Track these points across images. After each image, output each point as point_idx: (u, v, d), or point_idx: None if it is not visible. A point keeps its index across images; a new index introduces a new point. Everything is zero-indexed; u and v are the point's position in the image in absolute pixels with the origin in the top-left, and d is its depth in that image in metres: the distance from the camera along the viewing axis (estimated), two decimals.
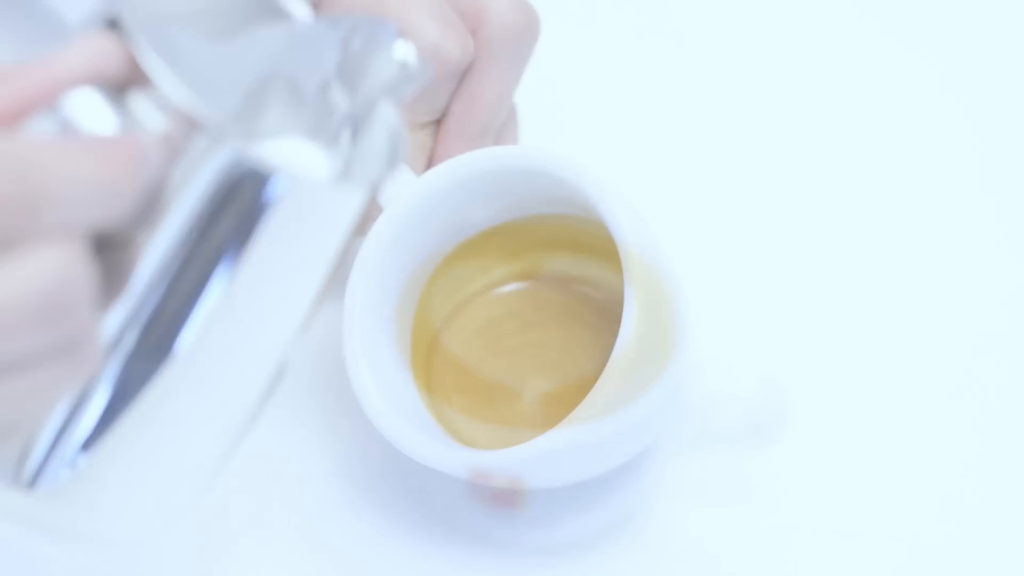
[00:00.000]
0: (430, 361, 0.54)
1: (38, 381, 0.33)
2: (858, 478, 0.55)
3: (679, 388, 0.51)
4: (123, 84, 0.34)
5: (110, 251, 0.34)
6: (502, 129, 0.55)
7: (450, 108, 0.52)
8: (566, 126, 0.64)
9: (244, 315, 0.37)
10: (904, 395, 0.58)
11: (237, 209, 0.35)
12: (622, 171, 0.62)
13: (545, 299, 0.55)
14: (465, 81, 0.52)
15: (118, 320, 0.35)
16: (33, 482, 0.36)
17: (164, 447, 0.38)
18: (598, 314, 0.54)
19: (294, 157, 0.35)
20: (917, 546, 0.54)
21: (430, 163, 0.54)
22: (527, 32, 0.52)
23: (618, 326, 0.48)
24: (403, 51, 0.38)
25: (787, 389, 0.56)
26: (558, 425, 0.47)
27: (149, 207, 0.34)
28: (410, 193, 0.51)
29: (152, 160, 0.33)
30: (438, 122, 0.53)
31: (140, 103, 0.34)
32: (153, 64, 0.33)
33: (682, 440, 0.56)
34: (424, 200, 0.51)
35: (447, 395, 0.53)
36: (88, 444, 0.36)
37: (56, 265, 0.32)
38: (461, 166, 0.50)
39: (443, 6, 0.51)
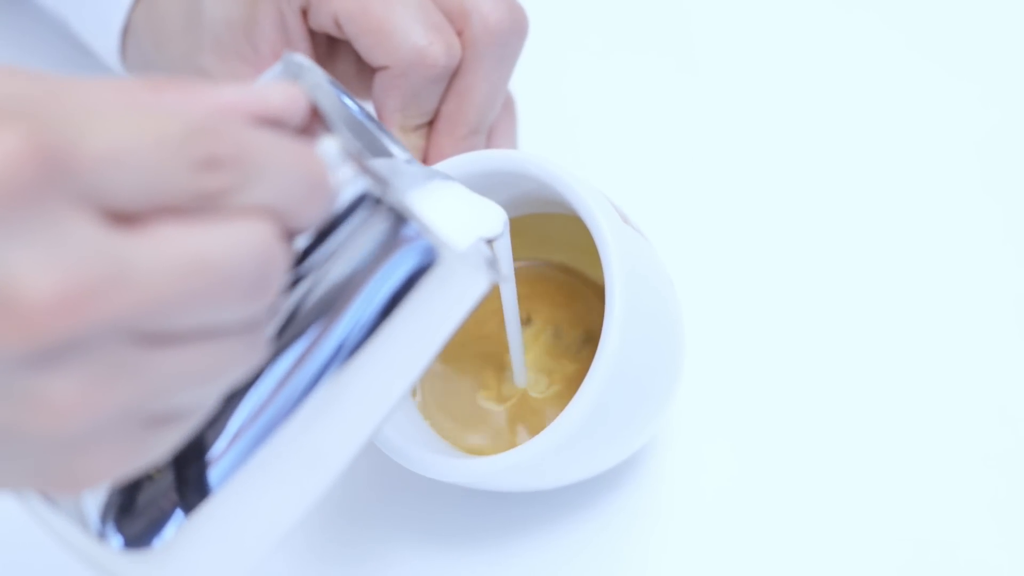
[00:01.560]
0: None
1: (220, 355, 0.33)
2: (858, 478, 0.55)
3: (671, 389, 0.51)
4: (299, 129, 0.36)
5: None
6: (498, 126, 0.55)
7: (440, 110, 0.52)
8: (578, 134, 0.64)
9: (369, 373, 0.38)
10: (904, 395, 0.57)
11: (392, 262, 0.36)
12: (627, 178, 0.63)
13: (537, 281, 0.55)
14: (453, 82, 0.52)
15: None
16: (139, 541, 0.37)
17: (264, 501, 0.38)
18: (585, 306, 0.54)
19: (449, 227, 0.39)
20: (917, 546, 0.54)
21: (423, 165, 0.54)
22: (513, 31, 0.51)
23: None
24: None
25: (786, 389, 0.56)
26: (542, 432, 0.47)
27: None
28: None
29: (335, 187, 0.35)
30: (430, 124, 0.53)
31: (325, 145, 0.36)
32: (336, 120, 0.36)
33: (679, 437, 0.56)
34: None
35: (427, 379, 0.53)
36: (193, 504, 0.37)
37: (266, 237, 0.33)
38: (452, 168, 0.50)
39: (428, 8, 0.51)
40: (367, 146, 0.44)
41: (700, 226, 0.62)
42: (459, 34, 0.51)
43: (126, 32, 0.57)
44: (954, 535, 0.54)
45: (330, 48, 0.56)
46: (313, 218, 0.34)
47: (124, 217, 0.31)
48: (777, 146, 0.64)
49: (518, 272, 0.55)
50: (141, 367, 0.32)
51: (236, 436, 0.37)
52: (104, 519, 0.37)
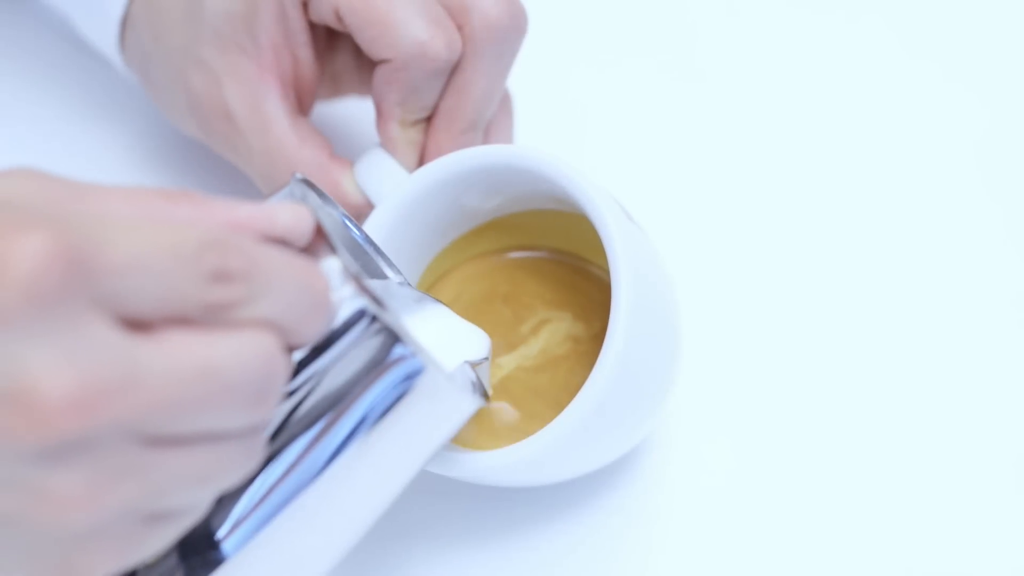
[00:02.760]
0: None
1: (220, 459, 0.34)
2: (857, 477, 0.55)
3: (670, 385, 0.51)
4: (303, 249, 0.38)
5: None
6: (496, 123, 0.55)
7: (439, 105, 0.52)
8: (579, 133, 0.65)
9: (354, 484, 0.39)
10: (902, 394, 0.57)
11: (384, 379, 0.38)
12: (627, 176, 0.63)
13: (535, 272, 0.55)
14: (452, 78, 0.52)
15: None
16: None
17: None
18: (583, 296, 0.54)
19: (438, 349, 0.41)
20: (917, 546, 0.54)
21: (421, 160, 0.54)
22: (513, 27, 0.51)
23: (601, 318, 0.47)
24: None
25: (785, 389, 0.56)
26: (545, 428, 0.46)
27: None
28: (401, 190, 0.51)
29: (336, 304, 0.37)
30: (430, 119, 0.53)
31: (328, 264, 0.37)
32: (337, 243, 0.38)
33: (678, 435, 0.56)
34: (415, 197, 0.51)
35: None
36: None
37: (270, 350, 0.34)
38: (451, 163, 0.50)
39: (430, 3, 0.51)
40: (363, 267, 0.46)
41: (700, 224, 0.62)
42: (459, 29, 0.51)
43: (125, 24, 0.57)
44: (954, 535, 0.54)
45: (329, 41, 0.56)
46: (314, 334, 0.36)
47: (136, 323, 0.33)
48: (777, 147, 0.64)
49: (514, 262, 0.55)
50: (145, 467, 0.33)
51: (224, 537, 0.38)
52: None
